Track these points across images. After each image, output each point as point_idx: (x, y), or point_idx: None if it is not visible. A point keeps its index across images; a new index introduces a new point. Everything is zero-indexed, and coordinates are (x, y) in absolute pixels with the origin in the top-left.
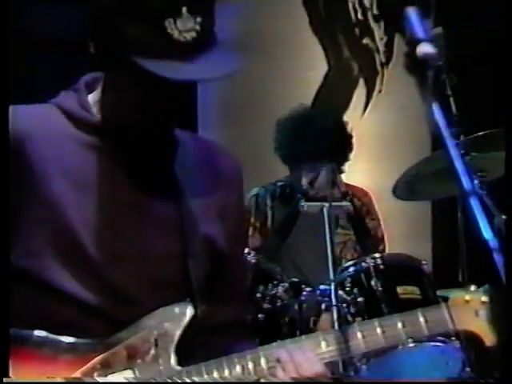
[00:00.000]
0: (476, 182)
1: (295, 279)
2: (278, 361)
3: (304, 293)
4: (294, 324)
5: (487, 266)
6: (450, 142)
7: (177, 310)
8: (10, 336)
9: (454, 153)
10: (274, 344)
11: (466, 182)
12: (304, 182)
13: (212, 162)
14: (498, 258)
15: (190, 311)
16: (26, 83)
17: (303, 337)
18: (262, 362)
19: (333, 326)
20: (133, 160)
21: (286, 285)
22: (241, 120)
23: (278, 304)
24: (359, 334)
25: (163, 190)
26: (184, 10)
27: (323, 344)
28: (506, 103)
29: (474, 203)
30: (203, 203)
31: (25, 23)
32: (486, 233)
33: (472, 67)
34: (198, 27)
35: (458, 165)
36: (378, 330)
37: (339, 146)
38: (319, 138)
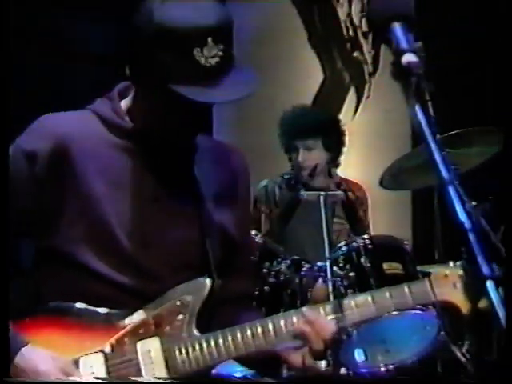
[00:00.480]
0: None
1: (296, 257)
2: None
3: (303, 269)
4: (295, 295)
5: (461, 244)
6: (430, 138)
7: (197, 284)
8: (9, 337)
9: (433, 147)
10: (280, 314)
11: (444, 172)
12: (300, 160)
13: (223, 161)
14: (471, 236)
15: (208, 285)
16: (65, 92)
17: (304, 308)
18: (270, 327)
19: (327, 296)
20: (158, 161)
21: (288, 262)
22: (249, 121)
23: (282, 278)
24: (353, 304)
25: (184, 186)
26: (209, 40)
27: (322, 313)
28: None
29: (451, 190)
30: (216, 196)
31: (64, 39)
32: (462, 216)
33: (448, 76)
34: (220, 53)
35: (437, 157)
36: (370, 300)
37: (329, 130)
38: (315, 115)
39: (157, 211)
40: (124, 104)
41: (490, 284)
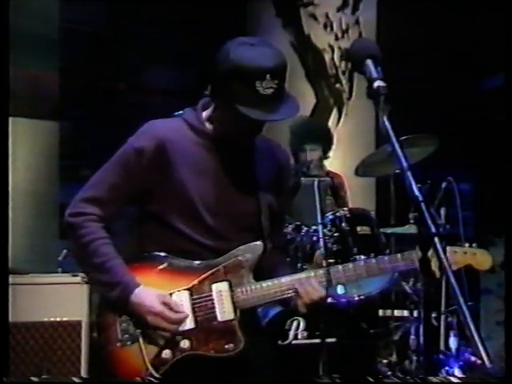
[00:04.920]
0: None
1: (298, 223)
2: (296, 291)
3: (303, 231)
4: (297, 249)
5: (409, 212)
6: (394, 138)
7: (254, 246)
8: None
9: (396, 145)
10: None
11: (404, 162)
12: (308, 158)
13: (272, 157)
14: (423, 206)
15: (262, 247)
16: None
17: (303, 273)
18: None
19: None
20: (229, 155)
21: (293, 226)
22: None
23: (288, 237)
24: (352, 267)
25: (246, 173)
26: (268, 76)
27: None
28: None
29: (409, 174)
30: (267, 182)
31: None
32: (416, 191)
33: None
34: (275, 86)
35: (399, 152)
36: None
37: (325, 138)
38: (316, 125)
39: (226, 191)
40: (205, 114)
41: (436, 239)
